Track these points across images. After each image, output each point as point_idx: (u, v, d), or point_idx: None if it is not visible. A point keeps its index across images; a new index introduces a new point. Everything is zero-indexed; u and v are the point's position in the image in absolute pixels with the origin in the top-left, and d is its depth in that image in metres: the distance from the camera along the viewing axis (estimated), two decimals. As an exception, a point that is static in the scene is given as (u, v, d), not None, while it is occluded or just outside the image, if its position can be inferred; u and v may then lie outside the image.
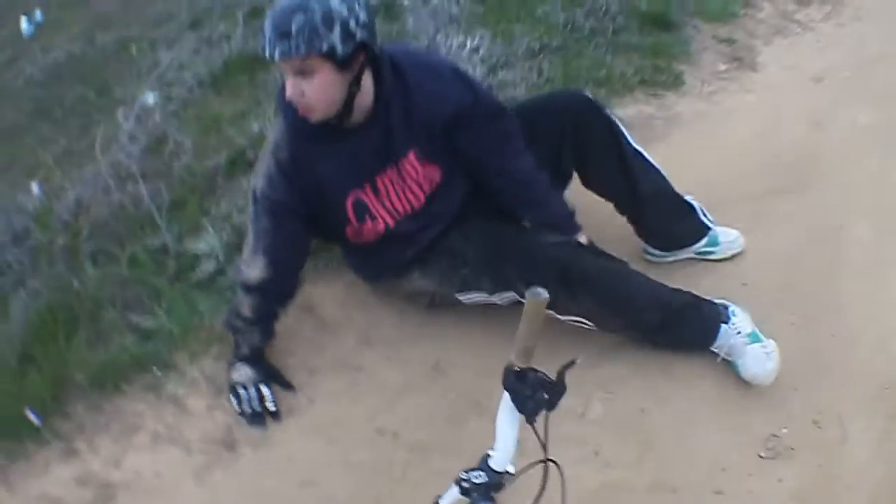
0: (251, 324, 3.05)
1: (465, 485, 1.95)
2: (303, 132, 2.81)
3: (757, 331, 3.05)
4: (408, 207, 3.06)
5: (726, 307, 3.11)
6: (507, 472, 1.95)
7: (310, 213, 3.00)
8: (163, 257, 3.57)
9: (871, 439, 2.93)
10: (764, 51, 5.31)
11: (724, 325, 3.06)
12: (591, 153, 3.35)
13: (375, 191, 2.98)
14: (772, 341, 3.04)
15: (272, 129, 3.01)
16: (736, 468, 2.85)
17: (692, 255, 3.56)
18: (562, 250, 3.02)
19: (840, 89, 4.93)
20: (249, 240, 3.00)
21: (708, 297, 3.12)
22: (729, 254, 3.58)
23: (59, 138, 4.67)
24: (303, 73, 2.62)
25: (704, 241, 3.53)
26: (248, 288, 3.01)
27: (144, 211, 3.73)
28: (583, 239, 3.17)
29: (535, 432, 1.88)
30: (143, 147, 4.18)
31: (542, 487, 1.95)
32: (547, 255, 2.95)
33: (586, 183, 3.47)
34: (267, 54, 2.60)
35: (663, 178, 3.49)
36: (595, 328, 3.07)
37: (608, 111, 3.46)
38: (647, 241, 3.59)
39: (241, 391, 3.04)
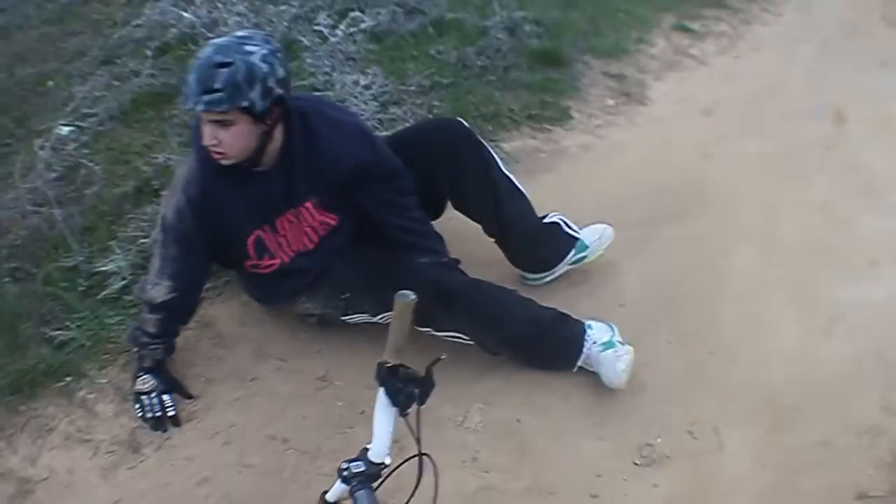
0: (154, 338, 3.37)
1: (345, 474, 2.23)
2: (214, 172, 3.13)
3: (614, 339, 3.45)
4: (301, 247, 3.45)
5: (583, 321, 3.50)
6: (384, 464, 2.25)
7: (213, 244, 3.33)
8: (74, 276, 3.91)
9: (751, 449, 3.30)
10: (654, 85, 5.80)
11: (584, 339, 3.45)
12: (462, 176, 3.73)
13: (274, 231, 3.36)
14: (627, 346, 3.43)
15: (183, 165, 3.34)
16: (611, 474, 3.19)
17: (567, 267, 3.93)
18: (436, 270, 3.42)
19: (730, 121, 5.44)
20: (155, 263, 3.30)
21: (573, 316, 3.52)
22: (602, 249, 3.95)
23: None
24: (221, 123, 2.95)
25: (573, 251, 3.89)
26: (153, 307, 3.31)
27: (58, 233, 4.09)
28: None
29: (408, 425, 2.21)
30: (58, 175, 4.56)
31: (419, 478, 2.26)
32: (423, 276, 3.31)
33: (457, 205, 3.85)
34: (190, 105, 2.93)
35: (528, 203, 3.85)
36: (471, 342, 3.44)
37: (479, 136, 3.85)
38: (519, 267, 3.96)
39: (145, 399, 3.34)
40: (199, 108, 2.91)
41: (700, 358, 3.68)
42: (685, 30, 6.67)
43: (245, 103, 2.92)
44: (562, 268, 3.93)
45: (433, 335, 3.38)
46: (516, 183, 3.85)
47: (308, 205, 3.40)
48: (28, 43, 6.46)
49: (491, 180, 3.76)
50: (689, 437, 3.34)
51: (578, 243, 3.91)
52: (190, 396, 3.48)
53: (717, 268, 4.17)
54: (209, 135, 3.00)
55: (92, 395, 3.47)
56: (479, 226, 3.87)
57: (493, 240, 3.91)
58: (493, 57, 5.76)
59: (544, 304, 3.54)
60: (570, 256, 3.91)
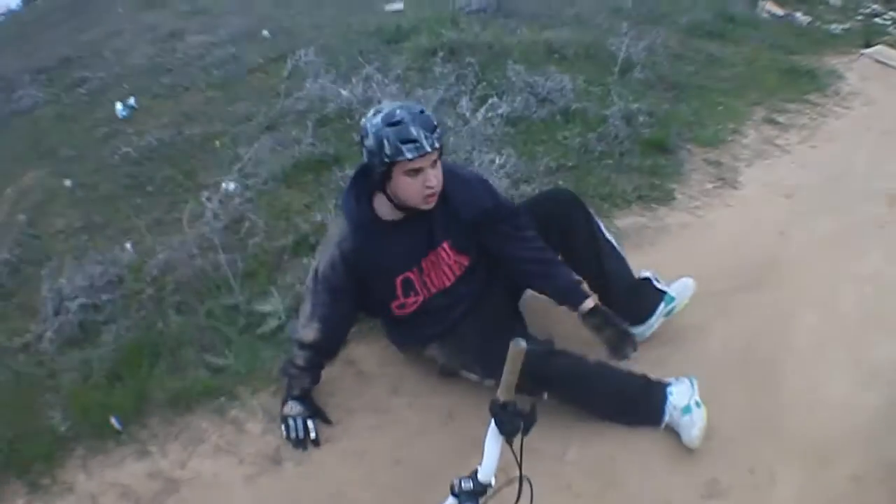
0: (302, 370, 3.50)
1: (455, 489, 2.44)
2: (365, 228, 3.30)
3: (692, 403, 3.47)
4: (441, 285, 3.55)
5: (668, 385, 3.53)
6: (490, 484, 2.45)
7: (362, 292, 3.45)
8: (234, 314, 4.00)
9: (796, 484, 3.40)
10: (745, 171, 5.83)
11: (666, 405, 3.53)
12: (572, 235, 3.78)
13: (420, 270, 3.47)
14: (701, 410, 3.47)
15: (333, 224, 3.51)
16: (679, 502, 3.34)
17: (662, 319, 3.91)
18: (535, 355, 3.53)
19: (805, 203, 5.46)
20: (307, 307, 3.43)
21: (655, 379, 3.57)
22: (687, 298, 3.94)
23: (150, 209, 5.12)
24: (434, 163, 3.14)
25: (662, 304, 3.88)
26: (303, 345, 3.46)
27: (222, 275, 4.15)
28: (590, 303, 3.56)
29: (513, 452, 2.39)
30: (224, 224, 4.62)
31: (518, 497, 2.43)
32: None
33: (565, 261, 3.79)
34: (427, 146, 3.07)
35: (626, 263, 3.92)
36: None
37: (586, 205, 3.90)
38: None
39: (290, 422, 3.47)
40: (434, 144, 3.10)
41: (763, 407, 3.76)
42: (773, 122, 6.70)
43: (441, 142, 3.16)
44: (657, 319, 3.92)
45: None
46: (616, 245, 3.94)
47: (445, 245, 3.49)
48: (194, 104, 6.60)
49: (596, 241, 3.83)
50: (749, 474, 3.44)
51: (666, 296, 3.91)
52: (329, 422, 3.60)
53: (784, 331, 4.23)
54: (433, 176, 3.17)
55: (242, 415, 3.61)
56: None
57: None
58: (610, 143, 5.82)
59: (634, 371, 3.61)
60: (661, 308, 3.90)
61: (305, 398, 3.57)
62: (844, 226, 5.22)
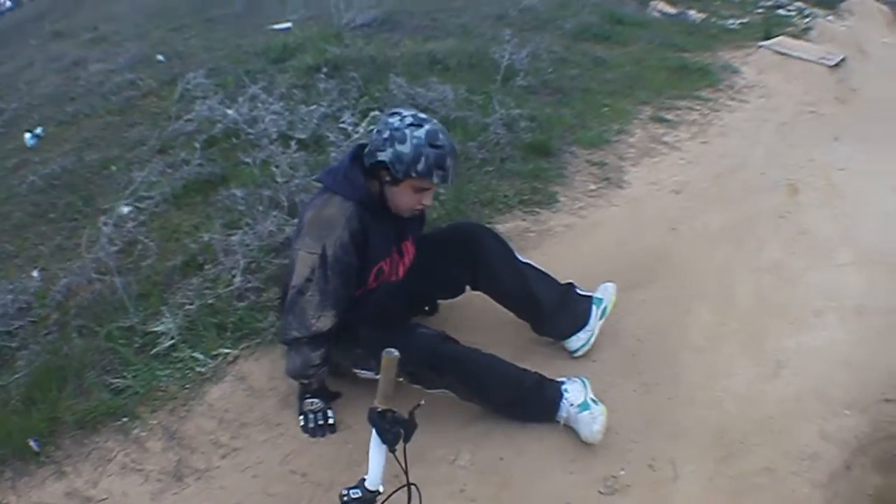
0: (319, 367, 3.64)
1: (345, 499, 2.53)
2: (368, 209, 3.51)
3: (588, 400, 3.62)
4: (396, 276, 3.83)
5: (562, 383, 3.69)
6: (378, 491, 2.55)
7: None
8: (131, 334, 4.22)
9: (701, 477, 3.50)
10: (631, 170, 6.04)
11: (562, 401, 3.66)
12: (493, 269, 4.03)
13: (391, 260, 3.75)
14: (600, 406, 3.61)
15: (328, 205, 3.53)
16: (579, 501, 3.37)
17: (600, 322, 4.12)
18: (431, 340, 3.66)
19: (697, 198, 5.68)
20: (313, 299, 3.49)
21: (550, 377, 3.74)
22: (613, 296, 4.19)
23: (54, 236, 5.36)
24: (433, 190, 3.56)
25: (594, 307, 4.09)
26: (318, 339, 3.56)
27: (118, 298, 4.39)
28: None
29: (397, 460, 2.48)
30: (119, 248, 4.90)
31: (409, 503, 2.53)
32: (419, 344, 3.58)
33: (489, 291, 4.14)
34: (449, 180, 3.48)
35: (548, 277, 4.13)
36: (457, 398, 3.69)
37: (495, 233, 4.18)
38: (556, 336, 4.16)
39: (310, 415, 3.71)
40: (453, 180, 3.53)
41: (661, 403, 3.88)
42: (661, 120, 6.93)
43: None
44: (595, 322, 4.11)
45: (424, 391, 3.62)
46: (533, 265, 4.14)
47: (410, 239, 3.86)
48: (94, 130, 6.94)
49: (518, 269, 4.06)
50: (649, 470, 3.54)
51: (594, 299, 4.11)
52: (339, 395, 3.87)
53: (679, 326, 4.38)
54: (429, 199, 3.59)
55: (144, 434, 3.75)
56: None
57: (524, 320, 4.17)
58: (491, 150, 5.99)
59: (526, 367, 3.76)
60: (594, 311, 4.10)
61: (323, 390, 3.79)
62: (741, 218, 5.44)
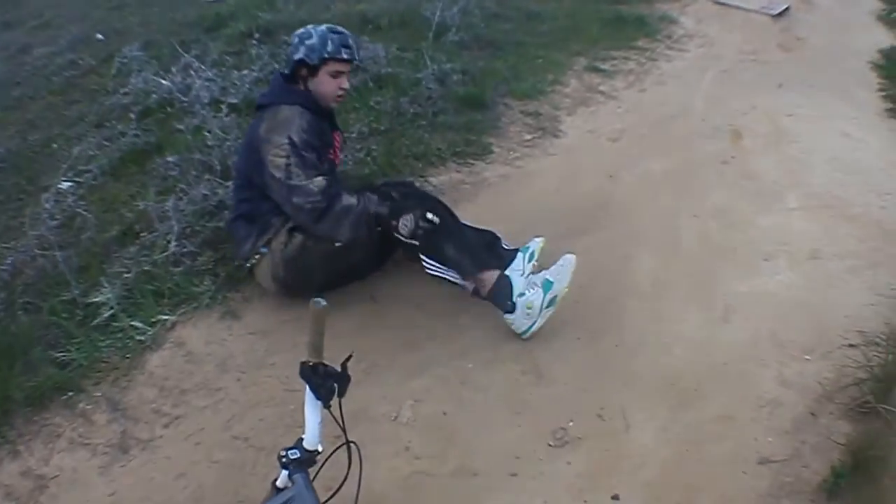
0: (360, 202, 3.88)
1: (283, 460, 2.36)
2: (310, 109, 3.95)
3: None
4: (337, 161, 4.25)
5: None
6: (317, 451, 2.38)
7: None
8: (73, 307, 4.16)
9: (655, 426, 3.39)
10: (567, 120, 5.91)
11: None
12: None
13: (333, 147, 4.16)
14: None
15: (278, 112, 3.93)
16: (528, 455, 3.28)
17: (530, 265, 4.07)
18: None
19: (635, 145, 5.55)
20: (301, 174, 3.80)
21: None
22: (542, 242, 4.16)
23: (0, 216, 5.31)
24: (348, 75, 4.03)
25: (520, 254, 4.07)
26: (331, 194, 3.82)
27: (60, 273, 4.36)
28: None
29: (333, 416, 2.32)
30: (59, 223, 4.90)
31: (349, 463, 2.38)
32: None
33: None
34: (357, 56, 4.06)
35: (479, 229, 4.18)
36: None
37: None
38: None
39: (418, 232, 3.85)
40: (358, 57, 4.09)
41: (607, 350, 3.77)
42: (596, 70, 6.76)
43: None
44: (521, 265, 4.06)
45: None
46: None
47: (338, 134, 4.30)
48: (37, 111, 6.90)
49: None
50: (599, 420, 3.43)
51: (521, 248, 4.12)
52: None
53: (622, 272, 4.26)
54: (346, 82, 4.06)
55: (89, 407, 3.68)
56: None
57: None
58: (424, 104, 5.90)
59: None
60: (521, 256, 4.08)
61: (399, 204, 3.95)
62: (682, 165, 5.31)
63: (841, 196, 4.92)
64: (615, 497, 3.14)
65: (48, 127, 6.49)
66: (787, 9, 8.60)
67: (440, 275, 3.93)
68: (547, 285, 3.78)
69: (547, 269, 3.89)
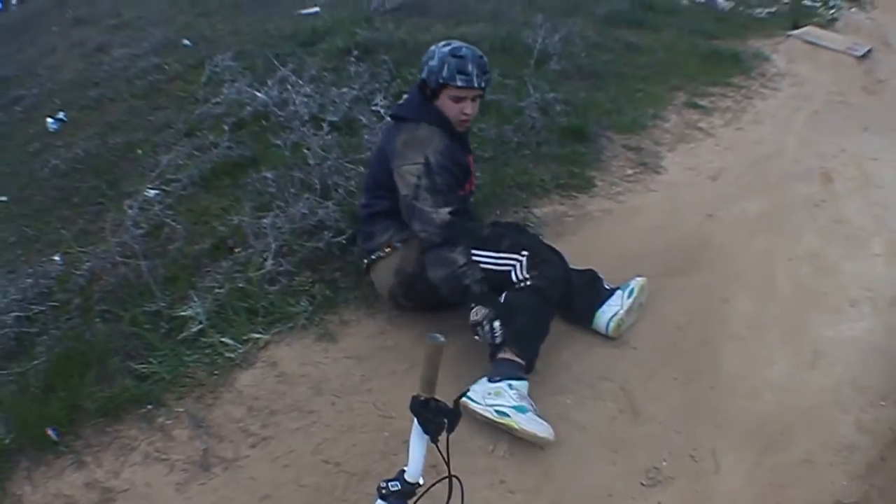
0: (468, 265, 3.69)
1: (383, 492, 2.35)
2: (447, 130, 3.88)
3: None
4: (470, 187, 4.16)
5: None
6: (418, 483, 2.36)
7: None
8: (157, 319, 4.07)
9: (742, 469, 3.40)
10: (668, 156, 5.89)
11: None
12: None
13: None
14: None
15: (414, 131, 3.87)
16: (621, 493, 3.29)
17: (629, 301, 4.03)
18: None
19: (733, 185, 5.53)
20: (427, 199, 3.73)
21: None
22: (642, 281, 4.10)
23: (76, 220, 5.25)
24: (474, 99, 3.87)
25: (620, 290, 4.05)
26: (449, 234, 3.71)
27: (144, 282, 4.26)
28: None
29: (439, 451, 2.31)
30: (145, 231, 4.77)
31: (449, 496, 2.37)
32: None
33: None
34: (475, 83, 3.81)
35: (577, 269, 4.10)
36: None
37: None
38: (584, 319, 4.06)
39: (479, 329, 3.62)
40: (481, 84, 3.84)
41: (702, 392, 3.77)
42: (695, 106, 6.76)
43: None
44: (620, 301, 4.04)
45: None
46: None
47: (471, 157, 4.17)
48: (118, 114, 6.82)
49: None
50: (691, 461, 3.43)
51: (621, 286, 4.08)
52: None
53: (719, 313, 4.25)
54: (470, 107, 3.89)
55: (169, 422, 3.61)
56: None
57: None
58: (527, 133, 5.87)
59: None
60: (621, 293, 4.05)
61: (490, 298, 3.69)
62: (776, 206, 5.28)
63: (922, 242, 4.86)
64: (703, 538, 3.12)
65: (131, 131, 6.43)
66: (870, 50, 8.51)
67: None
68: (522, 409, 3.47)
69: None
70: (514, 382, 3.51)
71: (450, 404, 2.30)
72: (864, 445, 3.51)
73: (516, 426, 3.40)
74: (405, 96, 4.35)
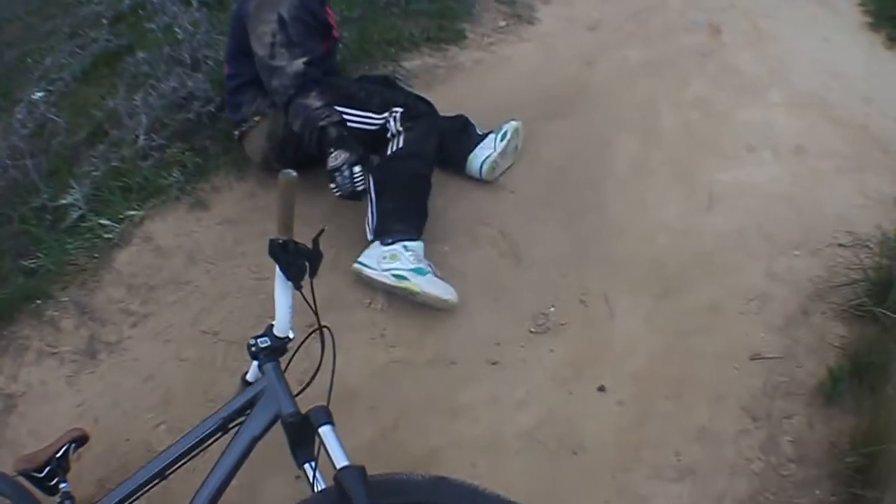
0: (324, 108, 3.38)
1: (253, 349, 2.19)
2: None
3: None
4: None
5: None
6: (288, 338, 2.19)
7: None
8: (42, 213, 4.01)
9: (640, 315, 3.21)
10: (542, 8, 5.51)
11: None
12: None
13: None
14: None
15: None
16: (509, 342, 3.11)
17: (502, 143, 3.80)
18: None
19: (613, 35, 5.19)
20: (284, 53, 3.43)
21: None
22: (516, 124, 3.88)
23: None
24: None
25: (492, 133, 3.82)
26: (303, 83, 3.41)
27: (31, 181, 4.21)
28: None
29: (304, 298, 2.10)
30: (30, 132, 4.73)
31: (322, 347, 2.14)
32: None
33: None
34: None
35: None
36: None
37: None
38: (459, 163, 3.85)
39: (337, 176, 3.33)
40: None
41: (588, 234, 3.58)
42: (573, -44, 6.33)
43: None
44: (494, 143, 3.81)
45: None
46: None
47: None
48: (15, 32, 6.74)
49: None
50: (581, 306, 3.26)
51: (494, 129, 3.87)
52: (370, 156, 3.52)
53: (602, 155, 4.02)
54: None
55: (56, 313, 3.52)
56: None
57: None
58: None
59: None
60: (494, 135, 3.84)
61: (348, 141, 3.40)
62: (661, 55, 4.99)
63: (824, 98, 4.63)
64: (601, 388, 3.01)
65: (23, 44, 6.27)
66: None
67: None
68: (420, 270, 3.30)
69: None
70: (409, 244, 3.34)
71: (310, 245, 2.12)
72: (779, 295, 3.34)
73: (417, 290, 3.23)
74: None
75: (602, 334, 3.15)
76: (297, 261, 2.09)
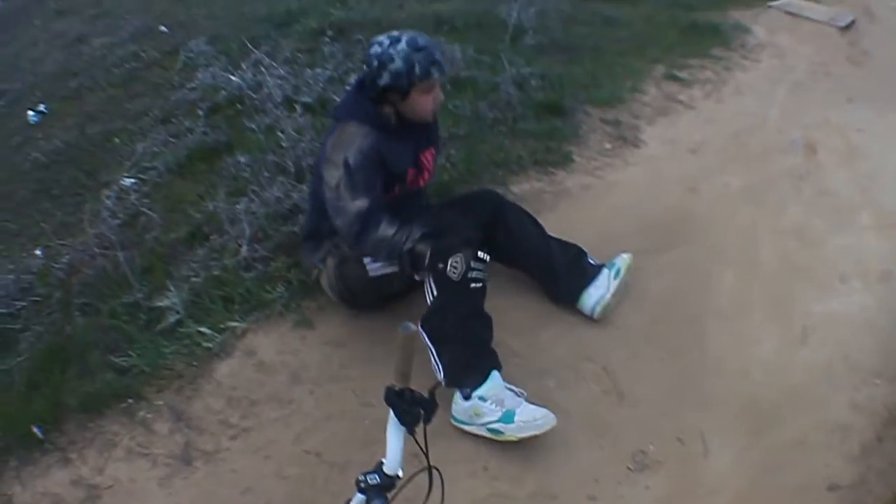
0: (401, 231, 3.46)
1: (362, 485, 2.23)
2: (382, 129, 3.57)
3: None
4: (416, 184, 3.84)
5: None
6: (397, 476, 2.23)
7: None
8: (135, 311, 3.97)
9: (732, 452, 3.29)
10: (647, 129, 5.71)
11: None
12: (517, 236, 3.92)
13: (416, 168, 3.78)
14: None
15: (343, 131, 3.58)
16: (607, 479, 3.18)
17: (615, 282, 3.88)
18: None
19: (714, 157, 5.38)
20: (346, 194, 3.47)
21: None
22: (628, 260, 3.94)
23: (56, 212, 5.14)
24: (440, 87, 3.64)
25: (606, 269, 3.91)
26: (368, 217, 3.46)
27: (121, 273, 4.16)
28: None
29: (417, 442, 2.20)
30: (122, 221, 4.68)
31: (430, 488, 2.25)
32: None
33: (509, 262, 4.00)
34: (447, 70, 3.86)
35: (562, 241, 4.01)
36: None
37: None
38: (571, 300, 3.93)
39: (450, 269, 3.38)
40: (448, 71, 3.93)
41: (688, 372, 3.67)
42: (674, 78, 6.57)
43: None
44: (606, 282, 3.91)
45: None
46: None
47: (431, 149, 3.89)
48: (97, 104, 6.70)
49: (543, 234, 4.01)
50: (678, 444, 3.34)
51: (607, 264, 3.95)
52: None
53: (703, 290, 4.13)
54: (440, 93, 3.69)
55: (150, 416, 3.52)
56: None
57: (538, 282, 4.05)
58: (503, 110, 5.70)
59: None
60: (607, 272, 3.92)
61: (440, 247, 3.45)
62: (759, 179, 5.15)
63: (913, 216, 4.74)
64: (692, 523, 3.05)
65: (108, 120, 6.31)
66: (853, 21, 8.33)
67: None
68: (508, 416, 3.30)
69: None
70: (483, 391, 3.35)
71: (426, 395, 2.18)
72: (858, 425, 3.43)
73: (515, 439, 3.26)
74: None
75: (696, 472, 3.22)
76: (412, 409, 2.16)
